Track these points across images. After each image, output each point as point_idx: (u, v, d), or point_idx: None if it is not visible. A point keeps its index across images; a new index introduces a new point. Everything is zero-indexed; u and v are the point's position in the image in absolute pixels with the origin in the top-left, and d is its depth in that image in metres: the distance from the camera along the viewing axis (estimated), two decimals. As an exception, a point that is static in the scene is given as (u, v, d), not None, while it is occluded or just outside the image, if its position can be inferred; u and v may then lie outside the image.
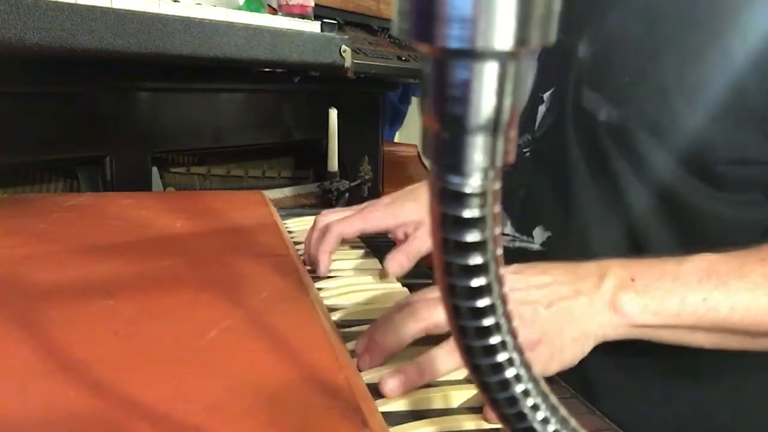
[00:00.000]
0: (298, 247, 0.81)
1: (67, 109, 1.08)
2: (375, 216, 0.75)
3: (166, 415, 0.37)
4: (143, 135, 1.19)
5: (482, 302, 0.18)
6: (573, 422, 0.20)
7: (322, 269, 0.71)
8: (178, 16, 1.08)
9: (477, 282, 0.18)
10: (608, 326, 0.49)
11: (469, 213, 0.17)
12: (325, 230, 0.72)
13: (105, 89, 1.14)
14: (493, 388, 0.19)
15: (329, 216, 0.76)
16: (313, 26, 1.35)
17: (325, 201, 1.50)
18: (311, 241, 0.74)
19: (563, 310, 0.49)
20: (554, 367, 0.49)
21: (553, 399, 0.20)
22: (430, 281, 0.77)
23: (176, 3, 1.11)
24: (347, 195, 1.50)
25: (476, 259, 0.18)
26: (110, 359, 0.44)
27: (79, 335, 0.48)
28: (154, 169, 1.24)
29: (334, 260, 0.76)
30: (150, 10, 1.04)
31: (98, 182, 1.11)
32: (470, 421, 0.45)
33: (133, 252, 0.68)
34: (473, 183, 0.17)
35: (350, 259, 0.78)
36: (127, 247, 0.69)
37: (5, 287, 0.58)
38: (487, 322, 0.18)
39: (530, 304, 0.48)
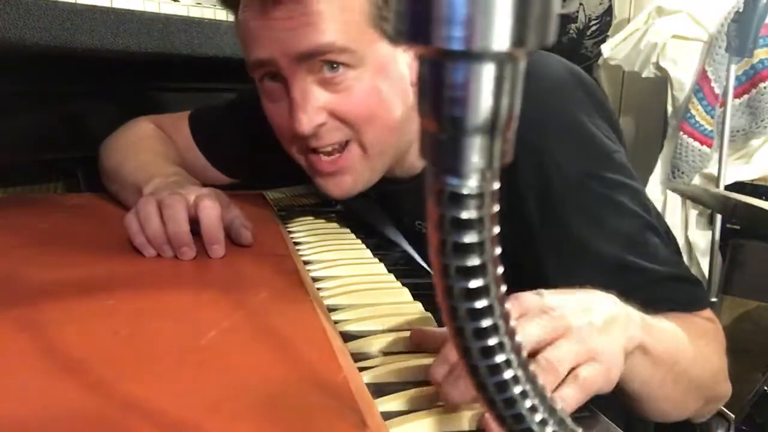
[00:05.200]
0: (298, 247, 0.81)
1: (67, 109, 1.08)
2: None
3: (166, 414, 0.37)
4: (143, 135, 1.19)
5: (480, 303, 0.18)
6: (570, 423, 0.20)
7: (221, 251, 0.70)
8: (178, 16, 1.08)
9: (475, 283, 0.18)
10: (632, 339, 0.52)
11: (467, 214, 0.17)
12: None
13: (105, 89, 1.14)
14: (490, 390, 0.19)
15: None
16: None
17: (325, 201, 1.50)
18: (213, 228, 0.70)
19: (614, 322, 0.50)
20: (615, 378, 0.49)
21: (551, 400, 0.20)
22: (430, 281, 0.77)
23: (176, 3, 1.11)
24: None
25: (474, 261, 0.18)
26: (110, 359, 0.44)
27: (79, 335, 0.48)
28: (154, 169, 1.24)
29: (335, 260, 0.76)
30: (150, 10, 1.04)
31: (98, 182, 1.11)
32: (469, 420, 0.45)
33: (133, 252, 0.68)
34: (471, 184, 0.17)
35: (350, 259, 0.78)
36: (127, 248, 0.69)
37: (5, 287, 0.58)
38: (485, 323, 0.18)
39: (586, 321, 0.49)
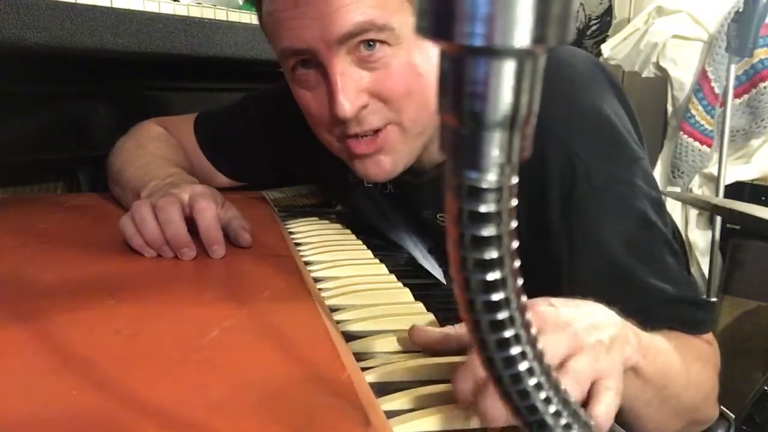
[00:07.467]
0: (299, 248, 0.81)
1: (67, 109, 1.08)
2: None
3: (168, 414, 0.37)
4: (143, 135, 1.19)
5: (497, 296, 0.18)
6: (583, 415, 0.20)
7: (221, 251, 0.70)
8: (178, 16, 1.08)
9: (492, 276, 0.18)
10: (627, 360, 0.52)
11: (485, 208, 0.17)
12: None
13: (105, 89, 1.14)
14: (506, 381, 0.19)
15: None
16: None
17: (326, 201, 1.50)
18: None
19: (616, 341, 0.50)
20: (620, 400, 0.49)
21: (565, 393, 0.20)
22: (431, 281, 0.77)
23: (176, 3, 1.11)
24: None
25: (492, 254, 0.18)
26: (112, 358, 0.44)
27: (80, 334, 0.48)
28: (154, 170, 1.24)
29: (336, 260, 0.76)
30: (150, 10, 1.04)
31: (98, 182, 1.11)
32: (474, 418, 0.45)
33: (133, 252, 0.68)
34: (490, 178, 0.17)
35: (351, 259, 0.78)
36: (128, 248, 0.69)
37: (7, 287, 0.58)
38: (502, 315, 0.18)
39: (596, 339, 0.49)
